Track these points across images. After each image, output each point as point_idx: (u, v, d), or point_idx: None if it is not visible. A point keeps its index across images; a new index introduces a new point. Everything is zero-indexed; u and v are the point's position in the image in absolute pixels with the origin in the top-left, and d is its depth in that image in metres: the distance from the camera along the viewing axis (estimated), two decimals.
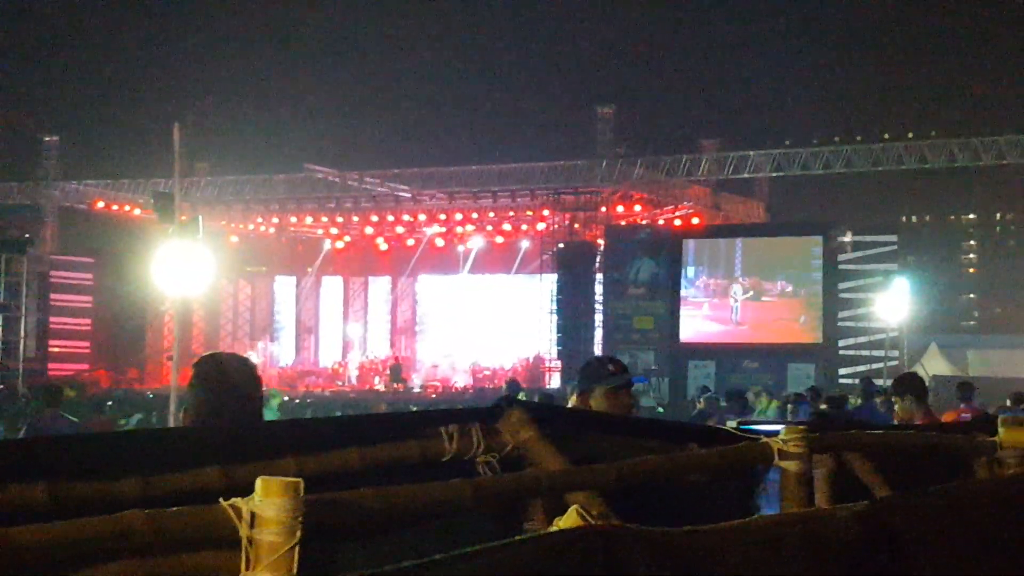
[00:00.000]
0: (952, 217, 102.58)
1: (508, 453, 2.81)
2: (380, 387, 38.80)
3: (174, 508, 1.83)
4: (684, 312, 33.68)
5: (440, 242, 40.66)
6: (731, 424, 5.59)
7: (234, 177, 40.95)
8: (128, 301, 36.87)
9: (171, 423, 14.71)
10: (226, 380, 3.75)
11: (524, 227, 39.42)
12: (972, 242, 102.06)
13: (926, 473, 3.40)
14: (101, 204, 41.02)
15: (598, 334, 35.27)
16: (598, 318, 35.40)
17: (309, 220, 42.11)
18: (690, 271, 33.92)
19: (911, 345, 32.30)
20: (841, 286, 32.26)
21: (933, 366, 31.13)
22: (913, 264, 36.89)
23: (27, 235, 36.39)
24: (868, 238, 32.65)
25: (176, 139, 16.87)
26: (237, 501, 1.80)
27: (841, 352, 32.15)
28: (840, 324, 32.26)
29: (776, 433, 2.92)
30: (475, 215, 39.15)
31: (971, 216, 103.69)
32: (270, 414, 19.10)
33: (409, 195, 39.07)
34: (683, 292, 33.74)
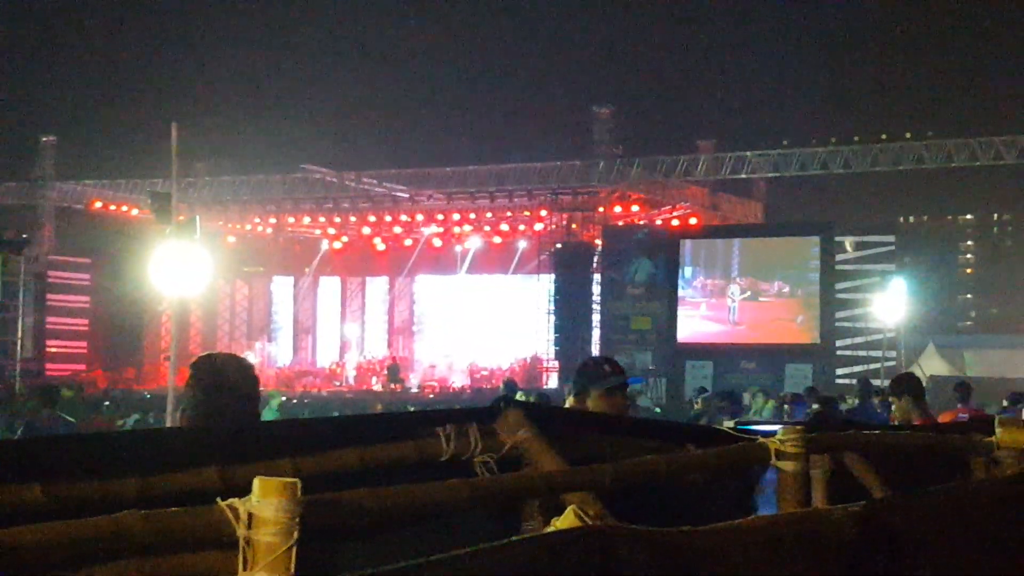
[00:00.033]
0: (949, 217, 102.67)
1: (505, 453, 2.82)
2: (377, 387, 38.79)
3: (171, 508, 1.83)
4: (682, 312, 33.69)
5: (438, 242, 40.66)
6: (727, 425, 5.59)
7: (231, 177, 40.92)
8: (125, 301, 36.84)
9: (168, 423, 14.71)
10: (223, 380, 3.75)
11: (522, 227, 39.42)
12: (969, 242, 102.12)
13: (923, 473, 3.41)
14: (98, 204, 40.97)
15: (596, 334, 35.28)
16: (596, 318, 35.40)
17: (307, 220, 42.11)
18: (687, 271, 33.93)
19: (908, 345, 32.30)
20: (839, 286, 32.27)
21: (930, 366, 31.13)
22: (910, 264, 36.88)
23: (24, 235, 36.36)
24: (865, 238, 32.67)
25: (173, 139, 16.86)
26: (234, 502, 1.80)
27: (839, 352, 32.16)
28: (838, 324, 32.27)
29: (773, 433, 2.93)
30: (473, 215, 39.15)
31: (968, 216, 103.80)
32: (270, 414, 19.10)
33: (407, 195, 39.06)
34: (680, 292, 33.74)
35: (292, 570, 1.78)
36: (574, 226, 36.98)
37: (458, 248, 40.70)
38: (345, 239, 42.62)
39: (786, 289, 32.99)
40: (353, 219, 41.14)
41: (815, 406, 14.38)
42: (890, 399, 9.01)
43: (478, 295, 40.90)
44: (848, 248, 32.50)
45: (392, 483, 2.17)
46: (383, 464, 2.64)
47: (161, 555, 1.99)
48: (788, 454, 2.81)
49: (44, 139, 42.08)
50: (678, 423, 4.09)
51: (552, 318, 36.22)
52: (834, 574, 2.44)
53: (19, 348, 34.98)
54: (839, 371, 31.49)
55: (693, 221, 36.22)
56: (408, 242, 41.45)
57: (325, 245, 42.85)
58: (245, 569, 1.78)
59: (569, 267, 35.85)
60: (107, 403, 28.56)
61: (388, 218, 40.35)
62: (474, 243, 40.43)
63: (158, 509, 1.81)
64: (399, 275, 42.98)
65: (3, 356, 33.74)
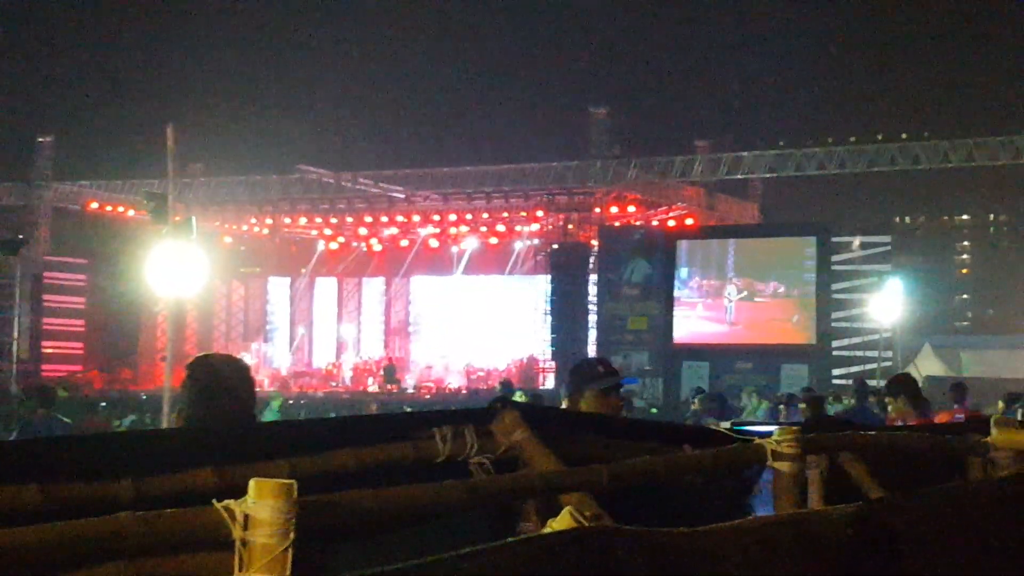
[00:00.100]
0: (946, 218, 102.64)
1: (502, 454, 2.82)
2: (374, 388, 38.77)
3: (167, 510, 1.83)
4: (678, 312, 33.71)
5: (434, 243, 40.64)
6: (724, 425, 5.59)
7: (228, 178, 40.88)
8: (122, 302, 36.81)
9: (164, 424, 14.70)
10: (219, 381, 3.75)
11: (518, 228, 39.41)
12: (966, 243, 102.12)
13: (920, 474, 3.41)
14: (95, 205, 40.92)
15: (592, 335, 35.28)
16: (592, 319, 35.40)
17: (303, 221, 42.10)
18: (683, 272, 33.95)
19: (905, 346, 32.31)
20: (835, 287, 32.29)
21: (927, 367, 31.15)
22: (906, 265, 36.89)
23: (20, 236, 36.33)
24: (862, 239, 32.70)
25: (170, 140, 16.84)
26: (230, 503, 1.80)
27: (835, 353, 32.17)
28: (834, 325, 32.29)
29: (770, 434, 2.93)
30: (469, 216, 39.12)
31: (965, 217, 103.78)
32: (271, 416, 19.12)
33: (403, 196, 39.04)
34: (676, 293, 33.76)
35: (288, 572, 1.78)
36: (570, 227, 36.99)
37: (454, 249, 40.67)
38: (341, 240, 42.61)
39: (782, 289, 33.01)
40: (349, 220, 41.13)
41: (802, 405, 14.40)
42: (886, 399, 9.02)
43: (474, 296, 40.88)
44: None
45: (388, 484, 2.17)
46: (379, 465, 2.64)
47: (157, 556, 1.99)
48: (784, 455, 2.81)
49: (40, 139, 42.01)
50: (675, 424, 4.09)
51: (548, 319, 36.21)
52: (830, 575, 2.44)
53: (15, 349, 34.95)
54: (835, 371, 31.50)
55: (689, 222, 36.24)
56: (404, 243, 41.42)
57: (321, 246, 42.84)
58: (241, 570, 1.78)
59: (565, 268, 35.86)
60: (103, 404, 28.54)
61: (384, 219, 40.34)
62: (470, 244, 40.41)
63: (154, 510, 1.81)
64: (395, 276, 42.95)
65: None
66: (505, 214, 38.78)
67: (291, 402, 30.93)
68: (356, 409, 28.06)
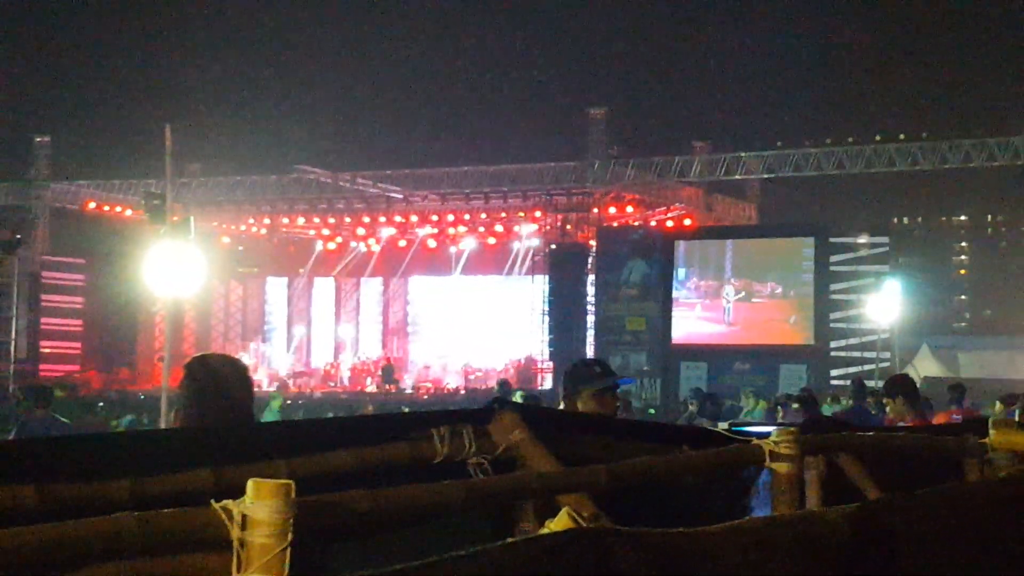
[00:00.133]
0: (943, 219, 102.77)
1: (499, 455, 2.82)
2: (372, 388, 38.76)
3: (165, 510, 1.83)
4: (676, 313, 33.71)
5: (432, 243, 40.64)
6: (722, 426, 5.59)
7: (225, 178, 40.87)
8: (119, 302, 36.81)
9: (162, 424, 14.70)
10: (217, 381, 3.75)
11: (517, 228, 39.41)
12: (964, 244, 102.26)
13: (917, 475, 3.41)
14: (93, 205, 40.90)
15: (590, 335, 35.26)
16: (590, 319, 35.39)
17: (301, 221, 42.08)
18: (681, 272, 33.96)
19: (902, 346, 32.30)
20: (833, 287, 32.29)
21: (925, 367, 31.16)
22: (904, 266, 36.84)
23: (18, 236, 36.30)
24: (860, 240, 32.71)
25: (168, 140, 16.85)
26: (228, 503, 1.79)
27: (833, 353, 32.17)
28: (832, 325, 32.29)
29: (768, 435, 2.93)
30: (467, 216, 39.11)
31: (962, 218, 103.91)
32: (271, 416, 19.09)
33: (401, 196, 39.03)
34: (675, 293, 33.77)
35: (286, 572, 1.78)
36: (568, 227, 36.98)
37: (452, 249, 40.66)
38: (339, 240, 42.61)
39: (779, 290, 33.02)
40: (348, 220, 41.11)
41: (795, 406, 14.37)
42: (884, 400, 9.01)
43: (473, 296, 40.87)
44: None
45: (386, 484, 2.17)
46: (377, 465, 2.64)
47: (155, 557, 1.98)
48: (782, 456, 2.81)
49: (38, 139, 41.99)
50: (673, 425, 4.09)
51: (547, 319, 36.21)
52: (829, 575, 2.44)
53: (13, 349, 34.93)
54: (833, 372, 31.51)
55: (687, 222, 36.26)
56: (403, 243, 41.41)
57: (319, 246, 42.83)
58: (239, 571, 1.78)
59: (563, 268, 35.85)
60: (101, 404, 28.48)
61: (382, 219, 40.33)
62: (469, 244, 40.40)
63: (152, 510, 1.81)
64: (393, 276, 42.95)
65: None
66: (503, 214, 38.78)
67: (289, 402, 30.94)
68: (354, 409, 28.04)
